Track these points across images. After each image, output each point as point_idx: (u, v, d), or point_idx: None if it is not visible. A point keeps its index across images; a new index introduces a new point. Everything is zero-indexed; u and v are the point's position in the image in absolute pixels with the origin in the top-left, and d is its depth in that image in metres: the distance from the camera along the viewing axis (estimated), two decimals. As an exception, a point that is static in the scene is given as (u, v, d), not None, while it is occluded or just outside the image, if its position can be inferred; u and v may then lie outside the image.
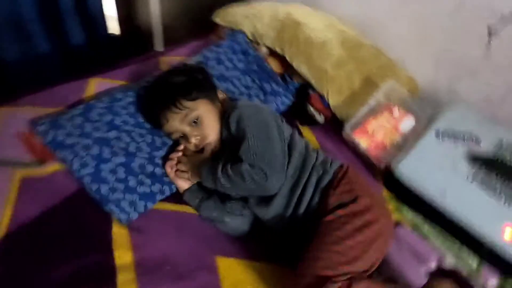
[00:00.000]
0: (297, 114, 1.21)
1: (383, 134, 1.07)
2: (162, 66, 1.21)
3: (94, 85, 1.06)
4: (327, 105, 1.17)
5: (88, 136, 0.87)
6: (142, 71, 1.15)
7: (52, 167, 0.85)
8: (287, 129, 0.93)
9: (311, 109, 1.19)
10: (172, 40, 2.23)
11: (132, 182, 0.86)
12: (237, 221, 0.89)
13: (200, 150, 0.92)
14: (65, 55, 1.56)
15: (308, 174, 0.86)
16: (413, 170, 0.97)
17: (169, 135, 0.94)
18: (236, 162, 0.82)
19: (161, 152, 0.94)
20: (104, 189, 0.83)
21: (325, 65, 1.16)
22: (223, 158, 0.90)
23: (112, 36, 2.05)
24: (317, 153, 0.91)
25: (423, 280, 0.88)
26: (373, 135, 1.07)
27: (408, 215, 1.00)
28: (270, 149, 0.83)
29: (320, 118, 1.19)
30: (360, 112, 1.10)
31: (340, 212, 0.79)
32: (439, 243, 0.95)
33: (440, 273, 0.90)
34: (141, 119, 0.96)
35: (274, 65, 1.26)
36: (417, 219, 0.99)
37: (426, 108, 1.11)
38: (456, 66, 1.20)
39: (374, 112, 1.10)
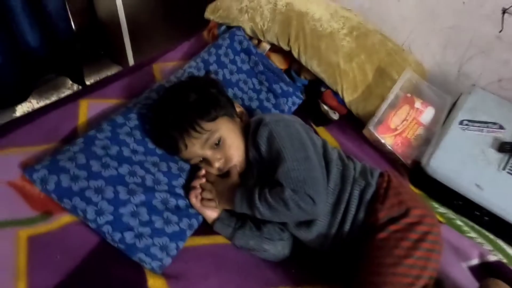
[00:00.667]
0: (309, 114, 1.13)
1: (406, 128, 1.02)
2: (157, 75, 1.07)
3: (86, 108, 0.91)
4: (341, 102, 1.10)
5: (98, 177, 0.75)
6: (135, 85, 1.01)
7: (62, 219, 0.72)
8: (317, 140, 0.85)
9: (325, 107, 1.11)
10: (136, 32, 2.05)
11: (158, 222, 0.76)
12: (277, 247, 0.82)
13: (224, 173, 0.83)
14: (21, 55, 1.37)
15: (350, 188, 0.79)
16: (445, 165, 0.94)
17: (187, 160, 0.84)
18: (274, 186, 0.74)
19: (181, 180, 0.84)
20: (129, 237, 0.72)
21: (336, 58, 1.08)
22: (253, 180, 0.82)
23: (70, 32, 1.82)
24: (354, 162, 0.84)
25: (469, 278, 0.87)
26: (396, 130, 1.02)
27: (440, 212, 0.98)
28: (311, 171, 0.75)
29: (334, 116, 1.12)
30: (380, 108, 1.04)
31: (393, 227, 0.74)
32: (476, 237, 0.94)
33: (485, 268, 0.89)
34: (150, 145, 0.84)
35: (277, 62, 1.16)
36: (450, 214, 0.97)
37: (443, 96, 1.07)
38: (466, 46, 1.16)
39: (394, 106, 1.04)
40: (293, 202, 0.71)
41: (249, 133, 0.83)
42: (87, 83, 1.96)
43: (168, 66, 1.09)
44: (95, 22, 2.21)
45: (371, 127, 1.00)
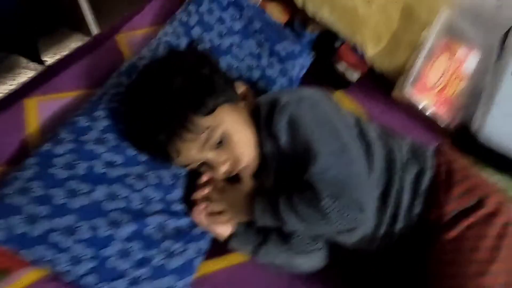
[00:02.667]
0: (321, 77, 0.91)
1: (447, 84, 0.82)
2: (124, 49, 0.82)
3: (36, 110, 0.68)
4: (361, 57, 0.88)
5: (65, 211, 0.54)
6: (97, 67, 0.76)
7: (26, 278, 0.53)
8: (350, 118, 0.65)
9: (341, 67, 0.89)
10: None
11: (157, 258, 0.57)
12: (311, 260, 0.65)
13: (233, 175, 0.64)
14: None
15: (399, 176, 0.61)
16: (502, 128, 0.76)
17: (183, 167, 0.64)
18: (303, 189, 0.56)
19: (178, 193, 0.64)
20: (121, 286, 0.54)
21: (352, 2, 0.84)
22: (271, 180, 0.63)
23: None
24: (399, 140, 0.65)
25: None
26: (434, 88, 0.82)
27: (495, 179, 0.82)
28: (352, 166, 0.56)
29: (353, 75, 0.90)
30: (415, 61, 0.82)
31: (465, 222, 0.57)
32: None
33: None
34: (130, 151, 0.63)
35: (275, 14, 0.91)
36: (506, 181, 0.81)
37: (490, 36, 0.86)
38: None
39: (429, 57, 0.83)
40: (335, 212, 0.53)
41: (261, 119, 0.62)
42: (46, 59, 1.66)
43: (137, 36, 0.84)
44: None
45: (407, 86, 0.79)
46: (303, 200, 0.55)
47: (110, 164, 0.61)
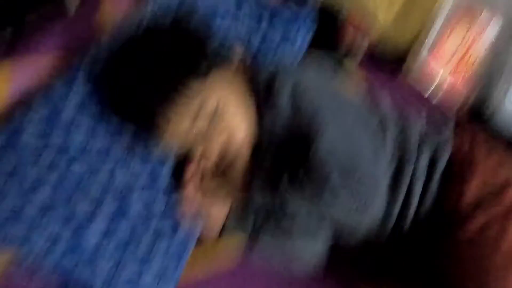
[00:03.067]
0: (328, 44, 0.83)
1: (464, 56, 0.75)
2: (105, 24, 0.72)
3: (7, 79, 0.60)
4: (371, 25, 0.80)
5: (39, 185, 0.48)
6: (75, 37, 0.67)
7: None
8: (360, 88, 0.59)
9: (349, 34, 0.81)
10: None
11: (144, 240, 0.52)
12: (317, 243, 0.60)
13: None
14: None
15: (414, 154, 0.55)
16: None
17: (170, 148, 0.57)
18: (308, 167, 0.50)
19: (168, 168, 0.58)
20: (105, 269, 0.49)
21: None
22: (269, 164, 0.57)
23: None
24: (414, 115, 0.59)
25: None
26: (450, 61, 0.75)
27: None
28: (362, 138, 0.50)
29: (363, 42, 0.82)
30: (430, 28, 0.75)
31: (490, 210, 0.51)
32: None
33: None
34: (116, 120, 0.57)
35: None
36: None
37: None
38: None
39: (447, 23, 0.75)
40: (346, 189, 0.48)
41: (260, 89, 0.56)
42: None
43: (119, 13, 0.74)
44: None
45: (422, 54, 0.72)
46: (309, 177, 0.49)
47: (91, 135, 0.55)
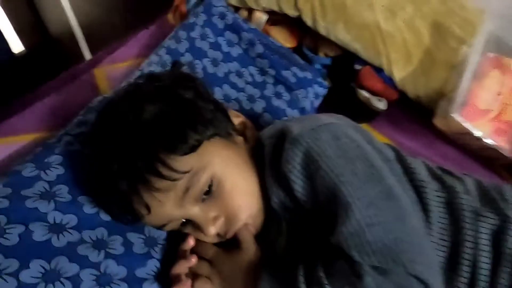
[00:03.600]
0: (340, 108, 0.75)
1: (506, 106, 0.65)
2: (102, 84, 0.69)
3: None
4: (388, 81, 0.73)
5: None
6: (66, 105, 0.63)
7: None
8: (387, 151, 0.48)
9: (364, 93, 0.73)
10: (96, 42, 1.68)
11: None
12: None
13: (229, 240, 0.45)
14: None
15: (470, 229, 0.42)
16: None
17: (158, 228, 0.46)
18: (332, 259, 0.37)
19: (152, 265, 0.46)
20: None
21: (372, 15, 0.70)
22: (283, 241, 0.45)
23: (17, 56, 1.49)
24: (460, 179, 0.47)
25: None
26: (489, 112, 0.64)
27: None
28: (402, 219, 0.38)
29: (380, 104, 0.73)
30: (456, 82, 0.66)
31: None
32: None
33: None
34: (89, 208, 0.46)
35: (280, 39, 0.78)
36: None
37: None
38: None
39: (476, 75, 0.66)
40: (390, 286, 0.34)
41: (266, 160, 0.46)
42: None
43: (119, 69, 0.71)
44: (48, 38, 1.85)
45: (455, 112, 0.62)
46: (334, 277, 0.36)
47: (58, 227, 0.44)
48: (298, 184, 0.41)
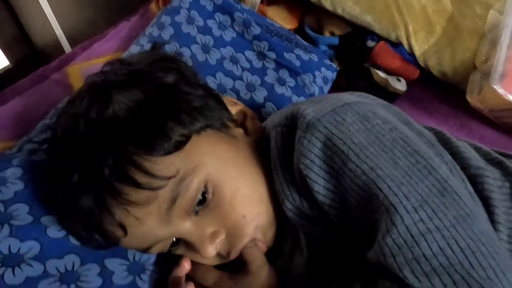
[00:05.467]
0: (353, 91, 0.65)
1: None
2: (76, 83, 0.59)
3: None
4: (408, 58, 0.63)
5: None
6: (33, 109, 0.53)
7: None
8: (428, 133, 0.37)
9: (380, 73, 0.63)
10: None
11: None
12: None
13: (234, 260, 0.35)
14: None
15: None
16: None
17: (141, 251, 0.36)
18: (371, 279, 0.27)
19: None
20: None
21: (384, -17, 0.60)
22: (303, 259, 0.36)
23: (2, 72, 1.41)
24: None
25: None
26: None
27: None
28: (465, 221, 0.28)
29: (399, 85, 0.64)
30: (488, 52, 0.56)
31: None
32: None
33: None
34: (55, 231, 0.37)
35: (279, 19, 0.69)
36: None
37: None
38: None
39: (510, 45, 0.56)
40: None
41: (273, 155, 0.36)
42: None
43: (96, 66, 0.61)
44: (35, 54, 1.77)
45: (495, 84, 0.52)
46: None
47: (13, 259, 0.34)
48: (319, 184, 0.31)
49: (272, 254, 0.36)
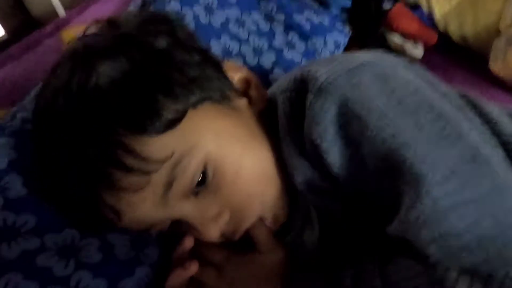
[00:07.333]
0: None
1: None
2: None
3: None
4: (426, 21, 0.58)
5: None
6: (27, 76, 0.50)
7: None
8: (453, 94, 0.34)
9: (396, 38, 0.59)
10: None
11: None
12: None
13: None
14: None
15: None
16: None
17: (141, 232, 0.34)
18: (396, 261, 0.25)
19: (141, 275, 0.34)
20: None
21: None
22: (313, 235, 0.34)
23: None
24: None
25: None
26: None
27: None
28: (501, 192, 0.25)
29: (416, 50, 0.60)
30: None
31: None
32: None
33: None
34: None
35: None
36: None
37: None
38: None
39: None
40: None
41: (281, 123, 0.33)
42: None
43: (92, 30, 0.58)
44: (31, 23, 1.71)
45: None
46: (400, 285, 0.24)
47: (8, 232, 0.32)
48: (333, 154, 0.29)
49: (281, 230, 0.34)
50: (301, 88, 0.31)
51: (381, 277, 0.26)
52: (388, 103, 0.28)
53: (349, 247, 0.32)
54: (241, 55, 0.52)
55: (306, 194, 0.32)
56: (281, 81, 0.37)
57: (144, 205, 0.28)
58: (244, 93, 0.36)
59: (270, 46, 0.53)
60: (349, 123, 0.28)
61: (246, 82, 0.37)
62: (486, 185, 0.25)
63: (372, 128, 0.27)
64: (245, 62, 0.51)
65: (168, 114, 0.28)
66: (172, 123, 0.28)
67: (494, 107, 0.35)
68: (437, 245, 0.23)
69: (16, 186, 0.35)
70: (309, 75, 0.30)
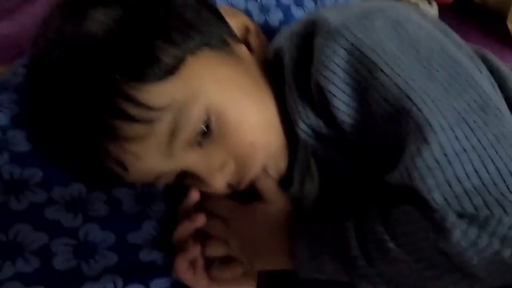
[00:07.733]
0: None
1: None
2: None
3: None
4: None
5: None
6: (22, 33, 0.49)
7: None
8: (467, 46, 0.32)
9: (410, -4, 0.57)
10: None
11: None
12: None
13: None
14: None
15: None
16: None
17: (146, 185, 0.34)
18: (396, 208, 0.26)
19: (149, 228, 0.35)
20: None
21: None
22: (315, 187, 0.34)
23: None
24: None
25: None
26: None
27: None
28: (508, 145, 0.24)
29: (432, 9, 0.57)
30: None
31: None
32: None
33: None
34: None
35: None
36: None
37: None
38: None
39: None
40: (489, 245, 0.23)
41: (285, 71, 0.32)
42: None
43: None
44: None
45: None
46: (400, 231, 0.25)
47: (16, 186, 0.33)
48: (340, 99, 0.28)
49: (282, 183, 0.34)
50: (311, 32, 0.29)
51: (383, 222, 0.26)
52: (401, 47, 0.27)
53: (348, 198, 0.32)
54: (247, 12, 0.50)
55: (309, 142, 0.31)
56: (286, 29, 0.35)
57: (149, 156, 0.28)
58: (243, 40, 0.34)
59: (278, 3, 0.51)
60: (359, 66, 0.27)
61: (245, 28, 0.35)
62: (493, 133, 0.24)
63: (382, 71, 0.26)
64: (246, 10, 0.49)
65: (167, 59, 0.27)
66: (172, 69, 0.27)
67: (506, 66, 0.33)
68: (441, 191, 0.23)
69: (20, 140, 0.35)
70: (320, 20, 0.29)
